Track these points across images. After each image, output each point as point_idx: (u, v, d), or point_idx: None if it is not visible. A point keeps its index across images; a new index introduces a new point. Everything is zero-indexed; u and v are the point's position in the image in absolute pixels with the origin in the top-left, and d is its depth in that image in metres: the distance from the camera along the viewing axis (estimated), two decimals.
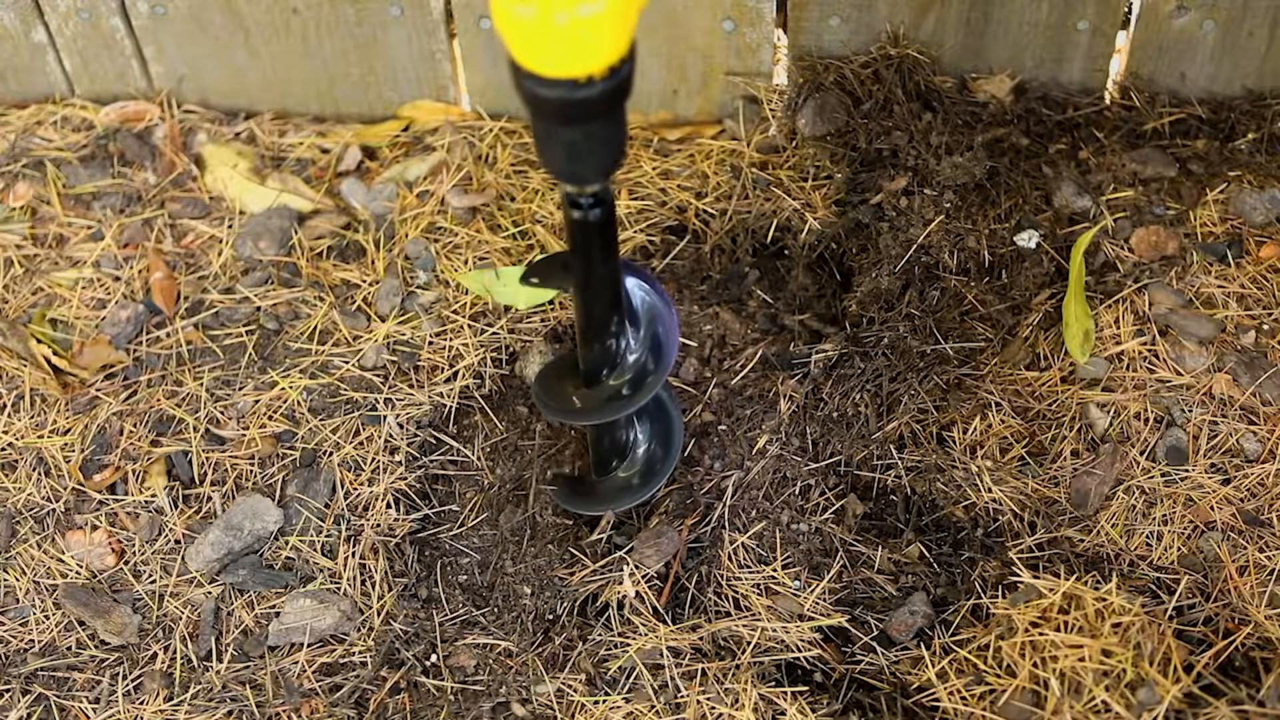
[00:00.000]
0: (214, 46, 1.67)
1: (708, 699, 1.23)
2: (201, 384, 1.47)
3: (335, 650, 1.30)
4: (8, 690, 1.28)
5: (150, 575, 1.36)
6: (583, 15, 0.87)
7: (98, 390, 1.48)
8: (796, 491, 1.38)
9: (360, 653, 1.30)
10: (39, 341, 1.50)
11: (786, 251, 1.57)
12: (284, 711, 1.26)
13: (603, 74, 0.91)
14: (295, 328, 1.52)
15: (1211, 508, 1.32)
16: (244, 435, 1.43)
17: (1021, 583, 1.26)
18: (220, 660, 1.30)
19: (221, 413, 1.45)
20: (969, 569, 1.31)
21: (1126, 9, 1.57)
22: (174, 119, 1.71)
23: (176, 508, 1.39)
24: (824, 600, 1.30)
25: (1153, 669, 1.18)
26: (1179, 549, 1.30)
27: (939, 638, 1.26)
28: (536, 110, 0.95)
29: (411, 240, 1.57)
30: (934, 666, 1.24)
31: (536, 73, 0.91)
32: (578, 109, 0.93)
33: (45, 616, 1.33)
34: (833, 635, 1.29)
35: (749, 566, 1.33)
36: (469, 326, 1.50)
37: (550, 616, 1.33)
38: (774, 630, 1.28)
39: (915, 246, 1.46)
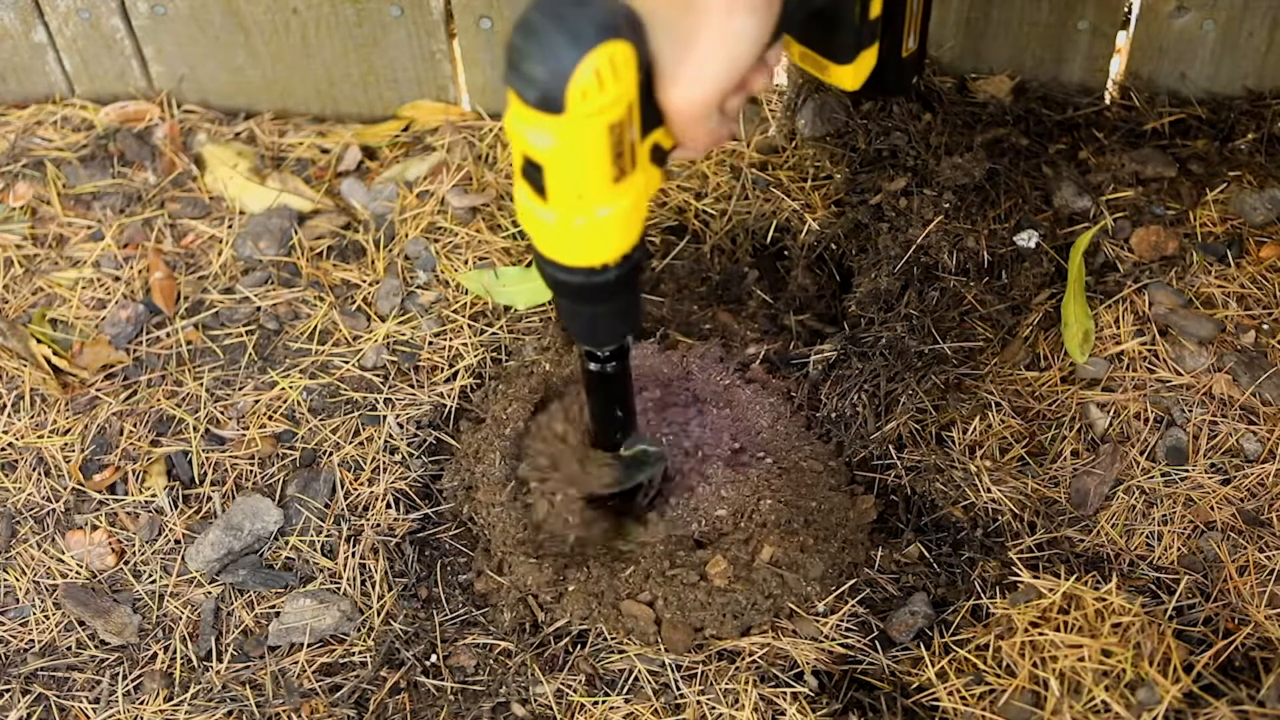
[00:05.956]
0: (214, 46, 1.67)
1: (708, 699, 1.23)
2: (201, 384, 1.47)
3: (335, 650, 1.30)
4: (8, 690, 1.28)
5: (150, 575, 1.36)
6: (600, 218, 0.98)
7: (98, 390, 1.48)
8: None
9: (360, 653, 1.30)
10: (39, 341, 1.50)
11: (786, 252, 1.56)
12: (284, 711, 1.26)
13: (616, 262, 1.02)
14: (295, 328, 1.52)
15: (1211, 508, 1.32)
16: (244, 435, 1.43)
17: (1021, 583, 1.26)
18: (220, 660, 1.30)
19: (221, 413, 1.45)
20: (969, 569, 1.31)
21: (1126, 9, 1.56)
22: (174, 119, 1.71)
23: (176, 508, 1.39)
24: (836, 605, 1.30)
25: (1153, 669, 1.18)
26: (1179, 549, 1.30)
27: (939, 638, 1.26)
28: (557, 290, 1.05)
29: (411, 240, 1.57)
30: (934, 666, 1.24)
31: (557, 261, 1.02)
32: (595, 290, 1.04)
33: (45, 616, 1.33)
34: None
35: None
36: (469, 326, 1.50)
37: (550, 616, 1.33)
38: (776, 631, 1.28)
39: (914, 247, 1.46)
